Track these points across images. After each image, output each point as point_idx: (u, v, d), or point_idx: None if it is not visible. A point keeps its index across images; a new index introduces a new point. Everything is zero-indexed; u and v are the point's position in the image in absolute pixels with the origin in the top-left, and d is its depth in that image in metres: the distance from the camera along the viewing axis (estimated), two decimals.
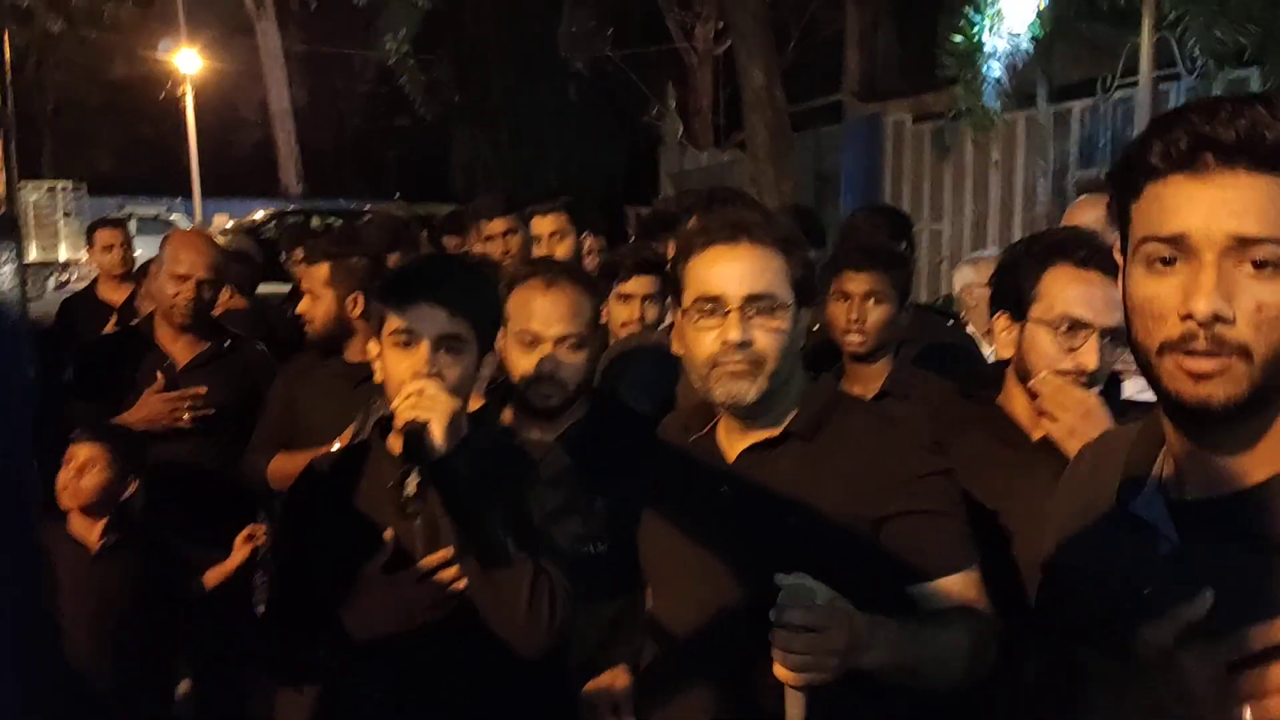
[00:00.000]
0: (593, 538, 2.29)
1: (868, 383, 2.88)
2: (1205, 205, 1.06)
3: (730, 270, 1.77)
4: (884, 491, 1.75)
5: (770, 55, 11.47)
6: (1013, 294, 2.07)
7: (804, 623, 1.47)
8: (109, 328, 4.63)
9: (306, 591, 1.98)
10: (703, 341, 1.77)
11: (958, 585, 1.74)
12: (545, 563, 1.91)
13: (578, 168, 20.26)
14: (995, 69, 7.28)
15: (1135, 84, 6.67)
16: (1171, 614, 1.06)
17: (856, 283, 2.86)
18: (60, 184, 25.38)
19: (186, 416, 3.50)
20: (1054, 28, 7.47)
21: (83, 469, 3.02)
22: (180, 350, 3.62)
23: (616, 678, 2.08)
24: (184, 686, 3.64)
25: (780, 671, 1.50)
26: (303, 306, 3.49)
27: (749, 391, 1.75)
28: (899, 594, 1.74)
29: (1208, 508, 1.13)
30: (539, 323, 2.37)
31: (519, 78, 19.68)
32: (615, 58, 20.79)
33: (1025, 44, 7.25)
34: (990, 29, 7.17)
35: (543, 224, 4.06)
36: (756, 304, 1.76)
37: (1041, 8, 6.92)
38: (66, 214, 24.55)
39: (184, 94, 27.58)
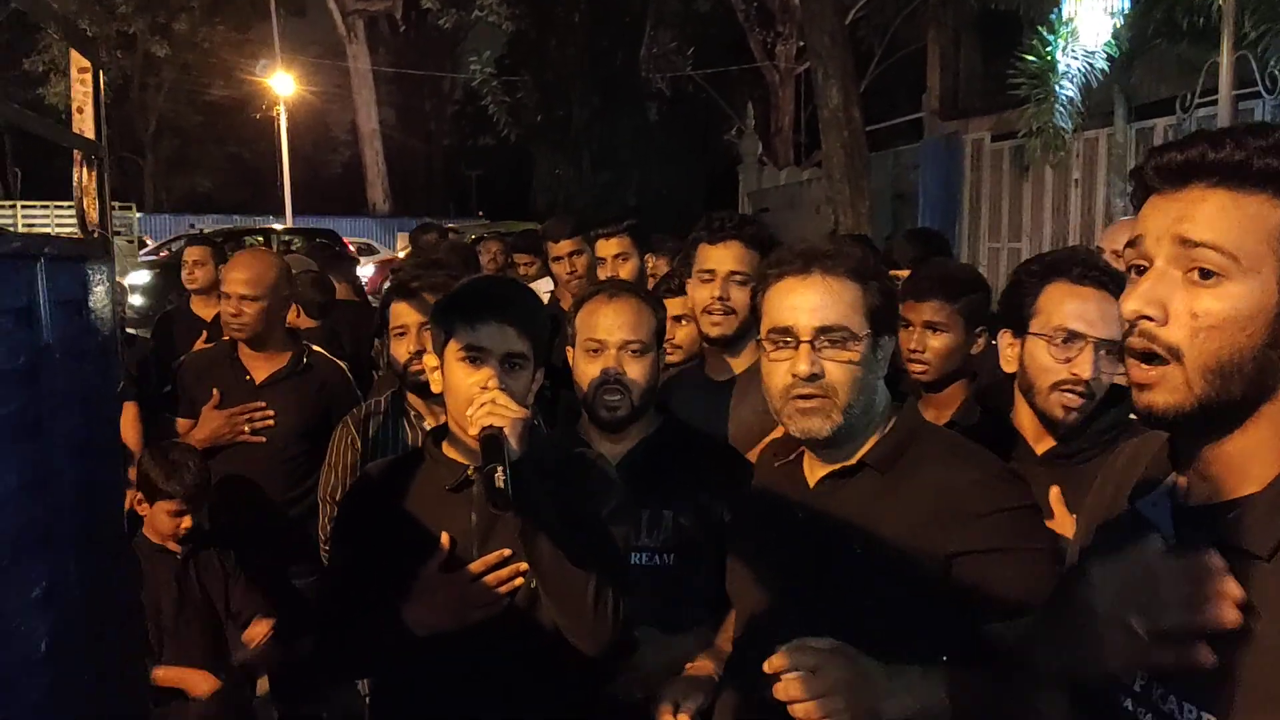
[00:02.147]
0: (661, 550, 2.35)
1: (940, 410, 2.74)
2: (1158, 214, 1.15)
3: (801, 302, 1.78)
4: (957, 526, 1.70)
5: (848, 75, 11.49)
6: (1015, 311, 2.16)
7: (795, 664, 1.47)
8: (200, 342, 4.83)
9: (358, 592, 2.09)
10: (775, 373, 1.79)
11: None
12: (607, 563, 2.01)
13: (657, 187, 20.41)
14: (1068, 88, 7.21)
15: (1217, 102, 6.55)
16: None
17: (916, 311, 2.79)
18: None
19: (247, 429, 3.64)
20: (1132, 46, 7.39)
21: (160, 512, 3.25)
22: (259, 366, 3.75)
23: (704, 667, 2.12)
24: (263, 684, 3.82)
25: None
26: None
27: (823, 427, 1.77)
28: (971, 634, 1.63)
29: (1201, 514, 1.15)
30: (603, 330, 2.45)
31: (600, 99, 19.92)
32: (696, 77, 20.96)
33: (1100, 63, 7.17)
34: (1064, 48, 7.11)
35: (607, 246, 4.15)
36: (827, 335, 1.76)
37: (1118, 26, 6.84)
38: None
39: (278, 115, 28.48)
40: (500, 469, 1.79)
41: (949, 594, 1.67)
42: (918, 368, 2.79)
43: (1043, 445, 2.13)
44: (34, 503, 1.78)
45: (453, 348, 2.02)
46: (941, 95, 15.59)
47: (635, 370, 2.45)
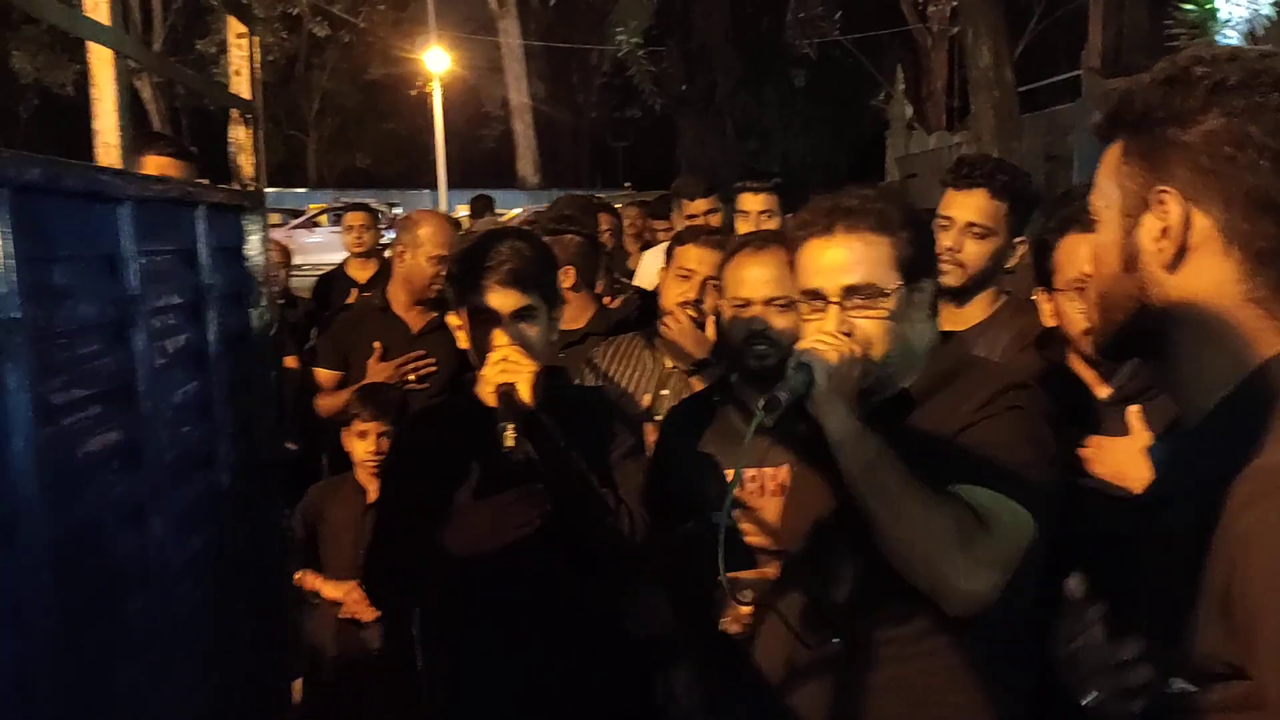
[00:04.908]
0: None
1: (957, 324, 2.58)
2: None
3: (826, 262, 1.80)
4: (962, 424, 1.75)
5: (999, 34, 11.14)
6: (1042, 270, 2.15)
7: None
8: (350, 301, 5.09)
9: (408, 524, 2.22)
10: (810, 334, 1.80)
11: (978, 493, 1.66)
12: (623, 496, 2.18)
13: (802, 154, 20.22)
14: (1231, 37, 6.85)
15: None
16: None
17: (958, 207, 2.61)
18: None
19: (412, 378, 3.83)
20: None
21: (379, 438, 3.44)
22: (414, 319, 3.95)
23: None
24: None
25: None
26: None
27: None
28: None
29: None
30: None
31: (745, 68, 19.81)
32: (845, 41, 20.62)
33: (1267, 9, 6.79)
34: None
35: (754, 201, 4.14)
36: (856, 295, 1.77)
37: None
38: None
39: (432, 91, 29.20)
40: (511, 427, 1.98)
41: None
42: (946, 265, 2.58)
43: (1104, 391, 2.11)
44: (199, 427, 1.98)
45: (465, 310, 2.21)
46: (1103, 52, 14.90)
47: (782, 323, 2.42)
